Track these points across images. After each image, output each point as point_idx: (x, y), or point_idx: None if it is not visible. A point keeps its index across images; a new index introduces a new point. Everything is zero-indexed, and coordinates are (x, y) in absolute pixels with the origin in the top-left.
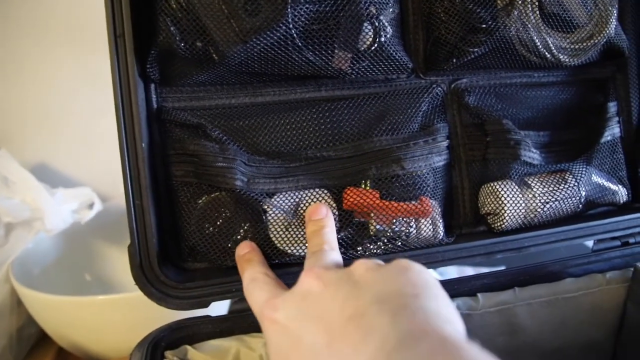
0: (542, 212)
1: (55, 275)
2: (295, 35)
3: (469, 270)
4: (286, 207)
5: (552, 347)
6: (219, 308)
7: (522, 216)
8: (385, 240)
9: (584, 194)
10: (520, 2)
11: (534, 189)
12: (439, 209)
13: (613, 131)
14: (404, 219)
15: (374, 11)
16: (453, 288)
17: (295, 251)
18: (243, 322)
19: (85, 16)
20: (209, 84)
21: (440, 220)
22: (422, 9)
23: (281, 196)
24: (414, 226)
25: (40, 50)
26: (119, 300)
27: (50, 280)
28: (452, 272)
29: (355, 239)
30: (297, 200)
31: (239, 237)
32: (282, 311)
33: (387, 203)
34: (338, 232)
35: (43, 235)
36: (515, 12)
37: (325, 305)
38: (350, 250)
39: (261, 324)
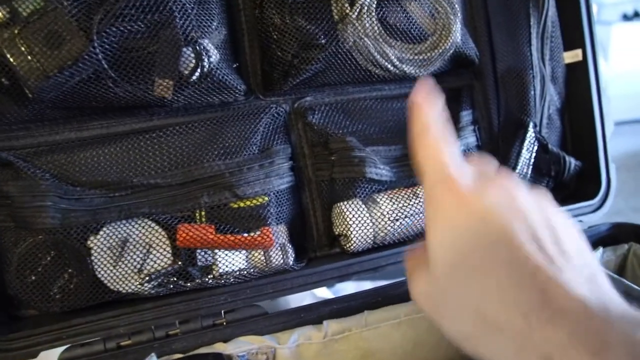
0: (392, 230)
1: None
2: (107, 66)
3: (367, 285)
4: (113, 243)
5: None
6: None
7: (371, 236)
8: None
9: None
10: (355, 15)
11: (382, 207)
12: (287, 235)
13: (467, 141)
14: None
15: (194, 35)
16: (299, 317)
17: (127, 288)
18: None
19: None
20: (29, 121)
21: (290, 247)
22: (257, 28)
23: (106, 231)
24: (263, 255)
25: None
26: None
27: None
28: (350, 287)
29: (192, 272)
30: (124, 235)
31: (63, 281)
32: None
33: (223, 237)
34: (172, 264)
35: None
36: (350, 26)
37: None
38: (188, 282)
39: (441, 192)
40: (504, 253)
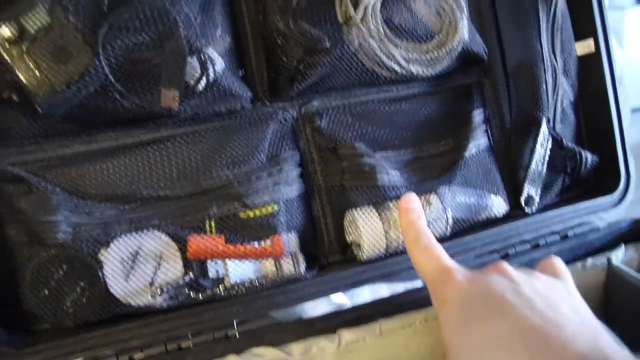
0: None
1: None
2: (113, 79)
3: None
4: (124, 256)
5: None
6: None
7: (383, 244)
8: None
9: (450, 215)
10: (360, 17)
11: (395, 214)
12: (298, 243)
13: (478, 142)
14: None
15: (199, 44)
16: (312, 327)
17: (139, 302)
18: None
19: None
20: (40, 135)
21: (301, 255)
22: (261, 34)
23: (117, 244)
24: (274, 264)
25: None
26: None
27: None
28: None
29: (203, 284)
30: (135, 247)
31: (75, 295)
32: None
33: (233, 248)
34: (183, 276)
35: None
36: (355, 29)
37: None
38: (200, 293)
39: (442, 286)
40: (503, 322)
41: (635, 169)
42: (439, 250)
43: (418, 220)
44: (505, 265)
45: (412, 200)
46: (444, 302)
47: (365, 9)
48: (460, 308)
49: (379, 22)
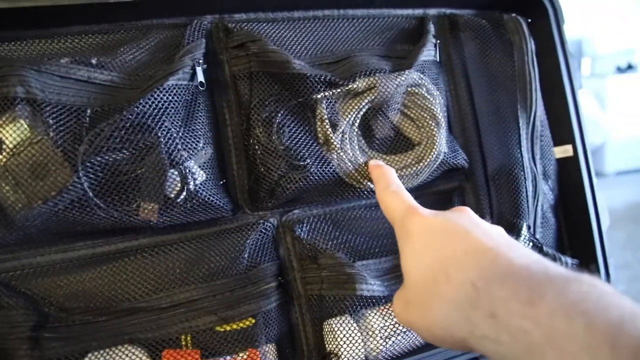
0: (385, 349)
1: None
2: (92, 194)
3: None
4: None
5: None
6: None
7: (362, 355)
8: None
9: None
10: (338, 140)
11: (374, 324)
12: (276, 354)
13: None
14: None
15: (180, 158)
16: None
17: None
18: None
19: None
20: (14, 244)
21: None
22: (243, 144)
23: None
24: None
25: None
26: None
27: None
28: None
29: None
30: None
31: None
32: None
33: None
34: None
35: None
36: (334, 150)
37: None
38: None
39: (407, 220)
40: (460, 245)
41: (622, 232)
42: (408, 195)
43: (389, 171)
44: (467, 208)
45: (380, 163)
46: (408, 233)
47: (343, 132)
48: (422, 236)
49: (356, 146)
